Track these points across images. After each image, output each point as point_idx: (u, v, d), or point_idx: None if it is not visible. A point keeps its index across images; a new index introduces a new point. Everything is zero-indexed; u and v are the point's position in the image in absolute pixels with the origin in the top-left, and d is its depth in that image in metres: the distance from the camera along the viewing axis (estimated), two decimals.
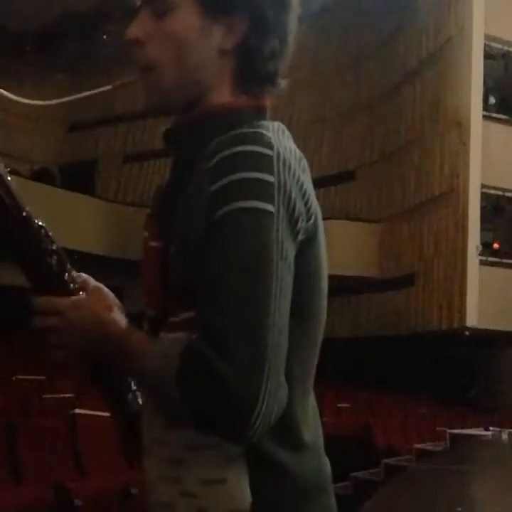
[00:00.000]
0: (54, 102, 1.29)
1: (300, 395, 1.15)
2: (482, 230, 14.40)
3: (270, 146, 1.07)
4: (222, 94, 1.19)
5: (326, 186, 16.67)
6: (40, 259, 1.13)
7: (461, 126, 14.34)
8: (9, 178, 1.11)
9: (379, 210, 16.82)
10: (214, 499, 1.11)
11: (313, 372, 1.21)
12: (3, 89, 1.20)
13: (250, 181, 1.05)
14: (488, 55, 14.74)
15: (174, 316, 1.14)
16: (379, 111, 16.76)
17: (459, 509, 3.65)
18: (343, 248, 14.34)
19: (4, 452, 4.90)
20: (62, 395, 7.33)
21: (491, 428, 9.92)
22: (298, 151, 1.14)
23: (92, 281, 1.22)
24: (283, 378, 1.05)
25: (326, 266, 1.19)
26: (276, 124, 1.17)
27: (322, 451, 1.21)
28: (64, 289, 1.15)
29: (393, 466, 7.73)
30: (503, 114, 15.08)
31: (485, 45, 14.56)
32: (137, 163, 18.60)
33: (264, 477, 1.11)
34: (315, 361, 1.21)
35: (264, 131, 1.09)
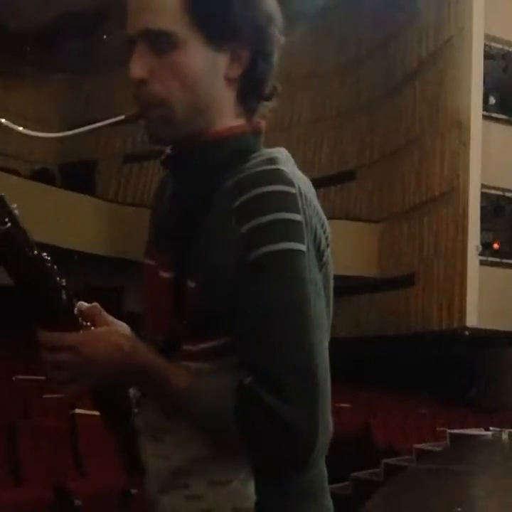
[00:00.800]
0: (60, 134, 1.28)
1: None
2: (482, 230, 14.39)
3: (292, 184, 1.10)
4: (226, 120, 1.19)
5: (326, 186, 16.66)
6: (49, 294, 1.11)
7: (461, 126, 14.34)
8: (17, 213, 1.09)
9: (379, 210, 16.82)
10: (218, 499, 1.13)
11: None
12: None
13: (281, 223, 1.07)
14: (488, 55, 14.73)
15: (190, 345, 1.14)
16: (379, 111, 16.76)
17: (459, 509, 3.65)
18: (343, 248, 14.34)
19: (4, 452, 4.90)
20: (62, 395, 7.31)
21: (491, 428, 9.92)
22: (304, 176, 1.17)
23: (103, 312, 1.20)
24: (330, 410, 1.10)
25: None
26: (283, 152, 1.19)
27: None
28: (73, 323, 1.13)
29: (393, 466, 7.72)
30: (503, 114, 15.07)
31: (485, 45, 14.55)
32: (137, 163, 18.58)
33: (268, 479, 1.13)
34: None
35: (282, 168, 1.11)
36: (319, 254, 1.13)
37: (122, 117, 1.21)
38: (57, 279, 1.11)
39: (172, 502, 1.16)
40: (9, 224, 1.07)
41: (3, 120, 1.20)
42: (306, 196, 1.12)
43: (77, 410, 5.74)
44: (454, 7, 14.84)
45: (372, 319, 16.38)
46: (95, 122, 1.25)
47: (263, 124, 1.24)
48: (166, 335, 1.18)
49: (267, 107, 1.24)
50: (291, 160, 1.19)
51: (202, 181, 1.17)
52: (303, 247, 1.08)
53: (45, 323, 1.11)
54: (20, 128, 1.22)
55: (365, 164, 17.35)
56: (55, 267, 1.11)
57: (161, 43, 1.12)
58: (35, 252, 1.09)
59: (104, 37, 16.30)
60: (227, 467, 1.12)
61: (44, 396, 7.38)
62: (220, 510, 1.12)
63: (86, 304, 1.19)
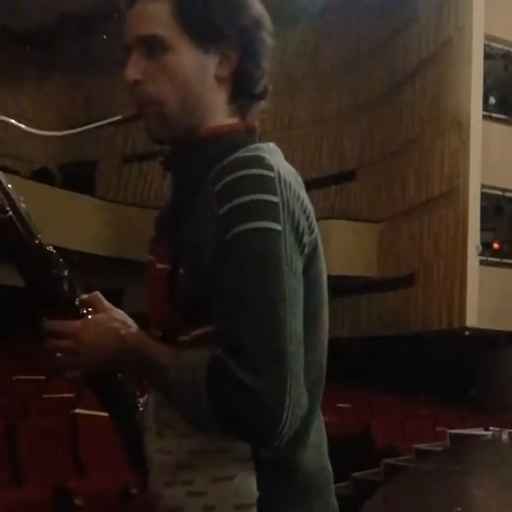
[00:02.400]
0: (61, 133, 1.33)
1: (313, 396, 1.21)
2: (482, 230, 14.39)
3: (271, 168, 1.14)
4: (219, 118, 1.26)
5: (326, 186, 16.64)
6: (51, 285, 1.17)
7: (461, 126, 14.33)
8: (23, 206, 1.15)
9: (379, 210, 16.82)
10: (221, 495, 1.15)
11: (324, 374, 1.27)
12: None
13: (257, 203, 1.12)
14: (488, 55, 14.73)
15: (184, 334, 1.18)
16: (379, 111, 16.75)
17: (459, 509, 3.64)
18: (343, 248, 14.34)
19: (4, 452, 4.90)
20: (62, 395, 7.32)
21: (491, 428, 9.90)
22: (292, 168, 1.21)
23: (103, 300, 1.26)
24: (303, 385, 1.11)
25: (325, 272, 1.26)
26: (271, 144, 1.24)
27: (325, 450, 1.26)
28: (74, 313, 1.19)
29: (393, 466, 7.71)
30: (503, 114, 15.07)
31: (485, 45, 14.55)
32: (137, 163, 18.59)
33: (271, 474, 1.16)
34: (325, 364, 1.27)
35: (263, 155, 1.16)
36: (298, 237, 1.15)
37: (120, 117, 1.29)
38: (59, 269, 1.17)
39: (175, 497, 1.18)
40: (10, 212, 1.12)
41: (5, 118, 1.26)
42: (285, 181, 1.15)
43: (77, 410, 5.74)
44: (454, 7, 14.84)
45: (372, 319, 16.37)
46: (95, 122, 1.30)
47: (257, 123, 1.29)
48: (163, 328, 1.22)
49: (260, 107, 1.30)
50: (279, 153, 1.23)
51: (194, 176, 1.22)
52: (278, 227, 1.12)
53: (48, 312, 1.18)
54: (23, 126, 1.28)
55: (365, 164, 17.35)
56: (60, 258, 1.17)
57: (153, 47, 1.21)
58: (37, 241, 1.14)
59: (104, 37, 16.30)
60: (229, 461, 1.15)
61: (44, 396, 7.39)
62: (223, 506, 1.15)
63: (87, 295, 1.25)
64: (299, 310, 1.13)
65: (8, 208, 1.12)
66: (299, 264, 1.15)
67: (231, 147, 1.20)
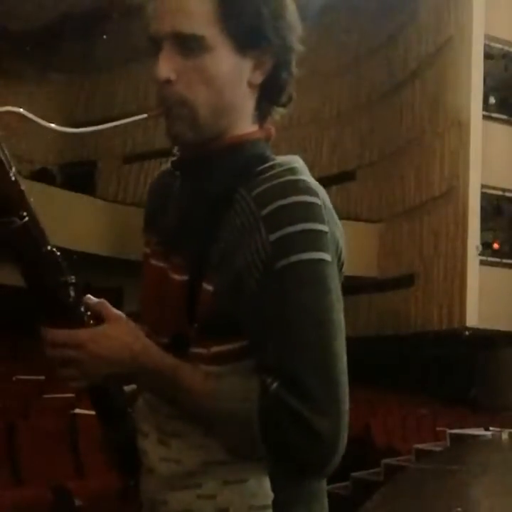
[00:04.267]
0: (78, 130, 1.27)
1: None
2: (482, 230, 14.40)
3: (316, 195, 1.14)
4: (244, 125, 1.22)
5: (326, 186, 16.48)
6: (58, 291, 1.13)
7: (461, 126, 14.34)
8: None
9: (379, 210, 16.83)
10: (234, 497, 1.13)
11: None
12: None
13: (309, 233, 1.10)
14: (488, 55, 14.74)
15: (201, 347, 1.14)
16: (379, 111, 16.76)
17: (459, 509, 3.64)
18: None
19: (4, 452, 4.90)
20: (62, 395, 7.32)
21: (491, 428, 9.90)
22: (318, 184, 1.19)
23: (112, 309, 1.19)
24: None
25: None
26: (300, 161, 1.21)
27: None
28: (79, 320, 1.14)
29: (393, 466, 7.72)
30: (503, 114, 15.08)
31: (485, 45, 14.56)
32: (137, 163, 18.59)
33: (282, 478, 1.15)
34: None
35: (306, 179, 1.15)
36: (339, 265, 1.16)
37: (145, 116, 1.21)
38: (67, 276, 1.13)
39: (183, 501, 1.16)
40: (27, 218, 1.09)
41: (21, 110, 1.20)
42: (329, 208, 1.16)
43: (77, 410, 5.74)
44: (454, 7, 14.85)
45: (372, 319, 16.38)
46: (95, 122, 1.25)
47: (274, 130, 1.27)
48: (172, 337, 1.17)
49: (280, 113, 1.27)
50: (306, 168, 1.20)
51: (218, 185, 1.18)
52: (328, 257, 1.11)
53: (52, 319, 1.13)
54: (40, 120, 1.22)
55: (365, 164, 17.36)
56: (65, 264, 1.13)
57: (190, 45, 1.14)
58: (49, 247, 1.11)
59: (104, 37, 16.30)
60: (243, 468, 1.13)
61: (44, 396, 7.39)
62: (238, 508, 1.13)
63: (94, 299, 1.19)
64: (344, 341, 1.13)
65: (25, 214, 1.09)
66: (340, 290, 1.14)
67: (254, 157, 1.18)
